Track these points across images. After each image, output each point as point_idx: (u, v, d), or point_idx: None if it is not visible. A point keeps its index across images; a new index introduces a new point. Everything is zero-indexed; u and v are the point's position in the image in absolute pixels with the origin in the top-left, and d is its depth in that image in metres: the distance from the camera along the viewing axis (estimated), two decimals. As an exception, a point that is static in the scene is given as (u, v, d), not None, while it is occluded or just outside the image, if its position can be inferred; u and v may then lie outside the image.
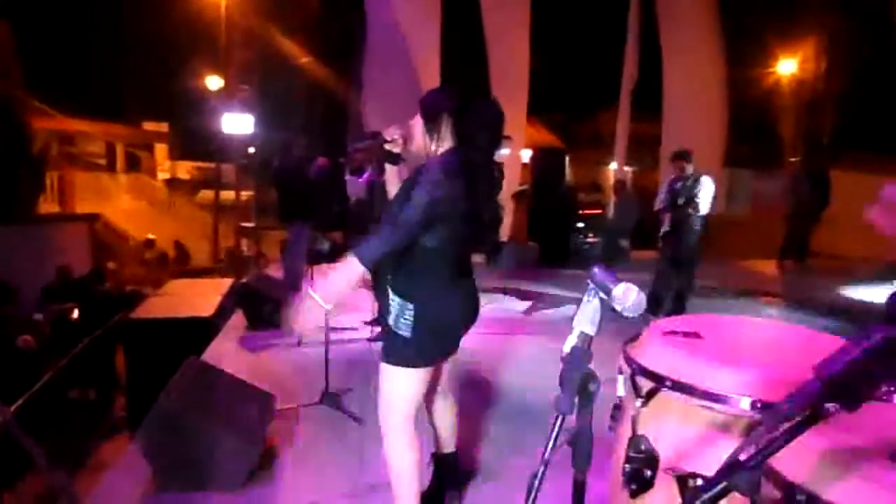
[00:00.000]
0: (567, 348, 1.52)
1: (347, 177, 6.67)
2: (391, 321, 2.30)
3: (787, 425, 0.95)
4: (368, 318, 6.06)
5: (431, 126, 2.32)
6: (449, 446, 2.81)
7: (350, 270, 2.13)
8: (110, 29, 19.64)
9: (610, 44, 11.99)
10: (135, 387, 5.84)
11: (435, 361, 2.43)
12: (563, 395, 1.49)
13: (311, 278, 6.32)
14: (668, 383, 1.62)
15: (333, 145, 8.63)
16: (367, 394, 4.21)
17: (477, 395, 4.27)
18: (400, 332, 2.28)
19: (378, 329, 5.83)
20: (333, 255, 4.78)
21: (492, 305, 7.04)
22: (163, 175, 26.85)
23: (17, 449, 4.63)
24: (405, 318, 2.26)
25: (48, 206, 15.56)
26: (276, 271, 8.24)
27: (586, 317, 1.50)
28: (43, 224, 12.25)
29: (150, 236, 15.79)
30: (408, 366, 2.32)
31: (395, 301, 2.29)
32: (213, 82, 18.53)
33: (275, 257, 10.86)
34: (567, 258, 10.48)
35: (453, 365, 2.66)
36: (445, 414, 2.75)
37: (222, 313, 6.35)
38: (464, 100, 2.34)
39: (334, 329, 4.62)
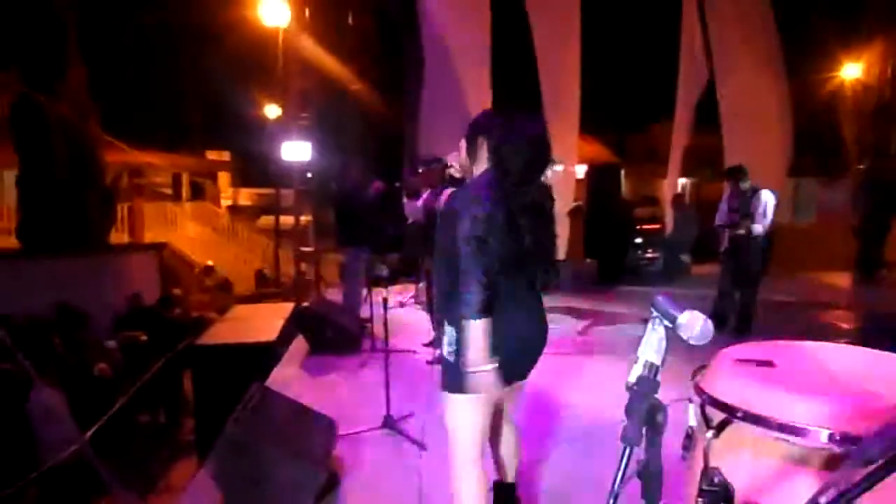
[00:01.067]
0: (633, 378, 1.49)
1: (405, 200, 6.78)
2: (445, 349, 2.28)
3: (871, 467, 0.90)
4: (427, 341, 6.10)
5: (471, 148, 2.36)
6: (510, 476, 2.70)
7: (472, 333, 2.11)
8: (173, 64, 20.49)
9: (663, 54, 11.83)
10: (203, 410, 6.00)
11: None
12: (629, 425, 1.47)
13: (370, 302, 6.42)
14: (739, 414, 1.58)
15: (389, 169, 8.75)
16: (429, 419, 4.23)
17: (536, 418, 4.23)
18: (452, 360, 2.24)
19: (438, 351, 5.86)
20: (392, 280, 4.83)
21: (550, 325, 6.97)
22: (225, 202, 27.67)
23: (91, 473, 4.81)
24: (456, 347, 2.22)
25: (119, 235, 16.23)
26: (334, 295, 8.37)
27: (651, 346, 1.48)
28: (115, 254, 12.76)
29: (210, 263, 16.29)
30: (462, 392, 2.25)
31: (448, 329, 2.26)
32: (273, 111, 19.13)
33: (333, 281, 11.03)
34: (625, 275, 10.31)
35: (518, 392, 2.57)
36: (508, 442, 2.65)
37: (285, 337, 6.48)
38: (506, 121, 2.32)
39: (394, 352, 4.65)
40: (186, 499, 3.37)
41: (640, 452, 1.48)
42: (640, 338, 1.49)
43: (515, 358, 2.31)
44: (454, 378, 2.24)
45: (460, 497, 2.33)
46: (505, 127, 2.29)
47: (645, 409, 1.46)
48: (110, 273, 11.13)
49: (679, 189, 12.75)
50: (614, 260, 10.50)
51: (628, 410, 1.46)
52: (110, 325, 9.73)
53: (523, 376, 2.46)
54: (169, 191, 23.78)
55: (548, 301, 2.48)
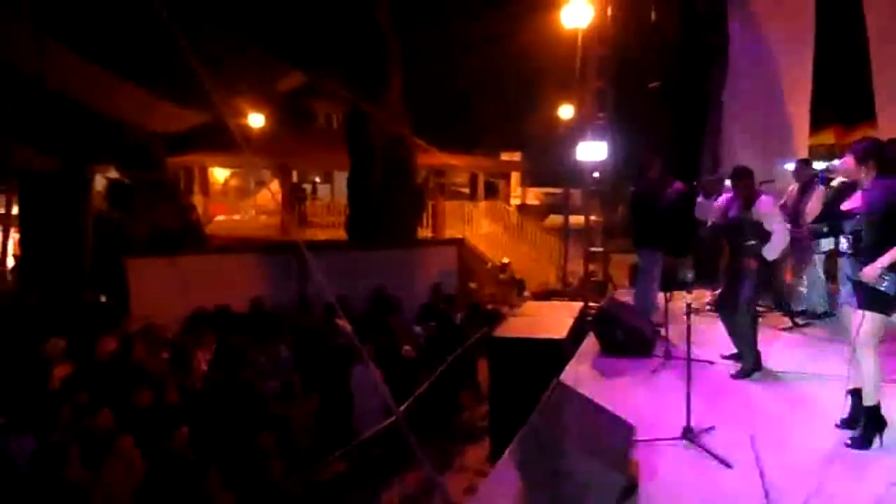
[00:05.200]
0: None
1: (699, 199, 6.41)
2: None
3: None
4: (727, 353, 5.67)
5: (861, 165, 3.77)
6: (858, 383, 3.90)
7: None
8: (471, 68, 21.79)
9: None
10: (497, 398, 6.31)
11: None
12: None
13: (667, 305, 6.15)
14: None
15: (687, 169, 8.32)
16: (732, 435, 3.94)
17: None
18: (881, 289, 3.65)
19: (739, 365, 5.42)
20: (693, 285, 4.59)
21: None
22: (514, 201, 28.82)
23: (399, 446, 5.32)
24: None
25: (423, 231, 17.87)
26: (624, 296, 8.20)
27: None
28: (421, 247, 14.09)
29: (505, 260, 17.03)
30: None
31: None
32: (565, 111, 19.36)
33: (622, 282, 10.83)
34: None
35: None
36: None
37: (574, 336, 6.54)
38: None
39: (694, 362, 4.40)
40: (489, 483, 3.58)
41: None
42: None
43: None
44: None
45: (864, 369, 3.78)
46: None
47: None
48: (418, 265, 12.29)
49: None
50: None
51: None
52: (416, 312, 10.74)
53: None
54: (466, 190, 25.52)
55: None
